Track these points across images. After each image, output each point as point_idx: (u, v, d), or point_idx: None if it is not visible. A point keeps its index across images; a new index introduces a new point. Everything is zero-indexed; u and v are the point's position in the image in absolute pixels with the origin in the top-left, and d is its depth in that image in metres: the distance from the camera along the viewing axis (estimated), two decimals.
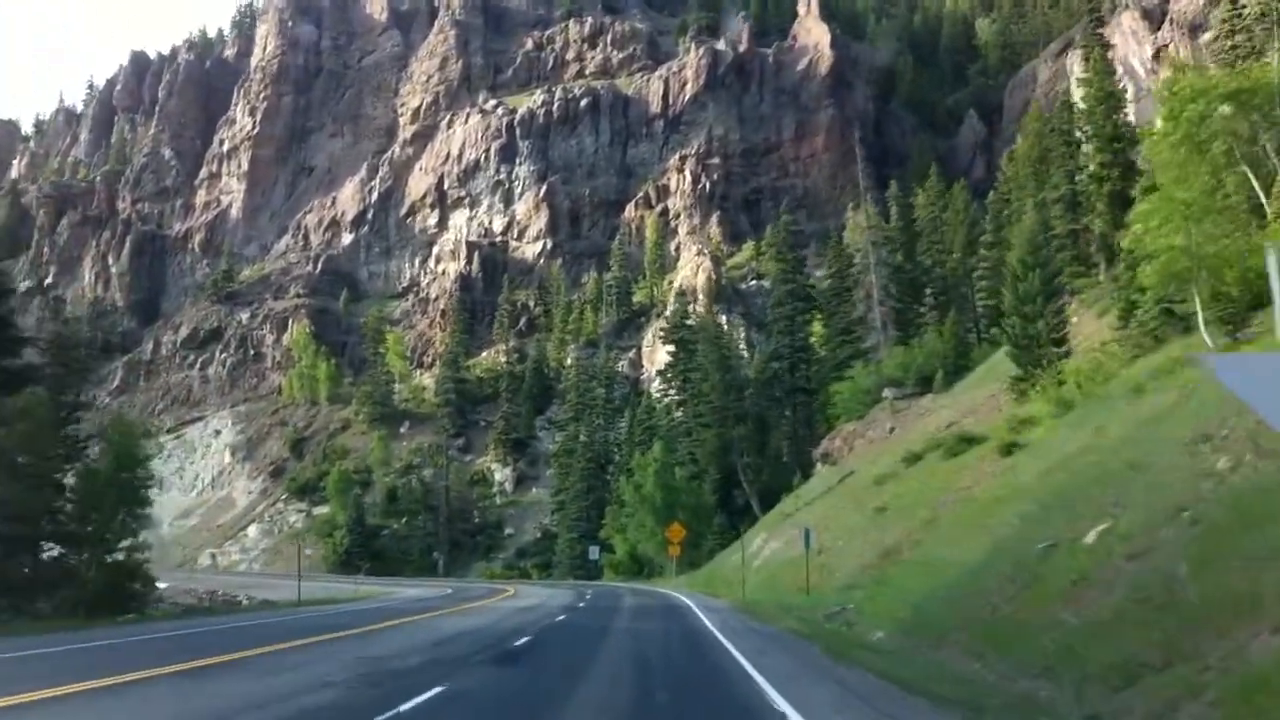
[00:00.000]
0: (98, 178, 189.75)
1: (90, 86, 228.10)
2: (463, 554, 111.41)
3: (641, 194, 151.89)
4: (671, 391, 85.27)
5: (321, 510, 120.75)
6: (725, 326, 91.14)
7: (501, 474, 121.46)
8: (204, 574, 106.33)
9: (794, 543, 43.36)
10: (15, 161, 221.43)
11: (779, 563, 42.56)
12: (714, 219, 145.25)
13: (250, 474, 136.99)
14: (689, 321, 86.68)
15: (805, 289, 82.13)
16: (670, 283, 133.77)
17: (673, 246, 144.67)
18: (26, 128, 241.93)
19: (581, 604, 39.37)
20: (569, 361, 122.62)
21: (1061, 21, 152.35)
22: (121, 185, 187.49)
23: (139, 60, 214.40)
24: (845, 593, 31.36)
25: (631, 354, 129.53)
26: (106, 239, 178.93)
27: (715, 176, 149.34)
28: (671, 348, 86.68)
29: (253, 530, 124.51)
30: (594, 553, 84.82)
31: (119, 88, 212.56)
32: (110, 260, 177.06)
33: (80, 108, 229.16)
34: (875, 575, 31.13)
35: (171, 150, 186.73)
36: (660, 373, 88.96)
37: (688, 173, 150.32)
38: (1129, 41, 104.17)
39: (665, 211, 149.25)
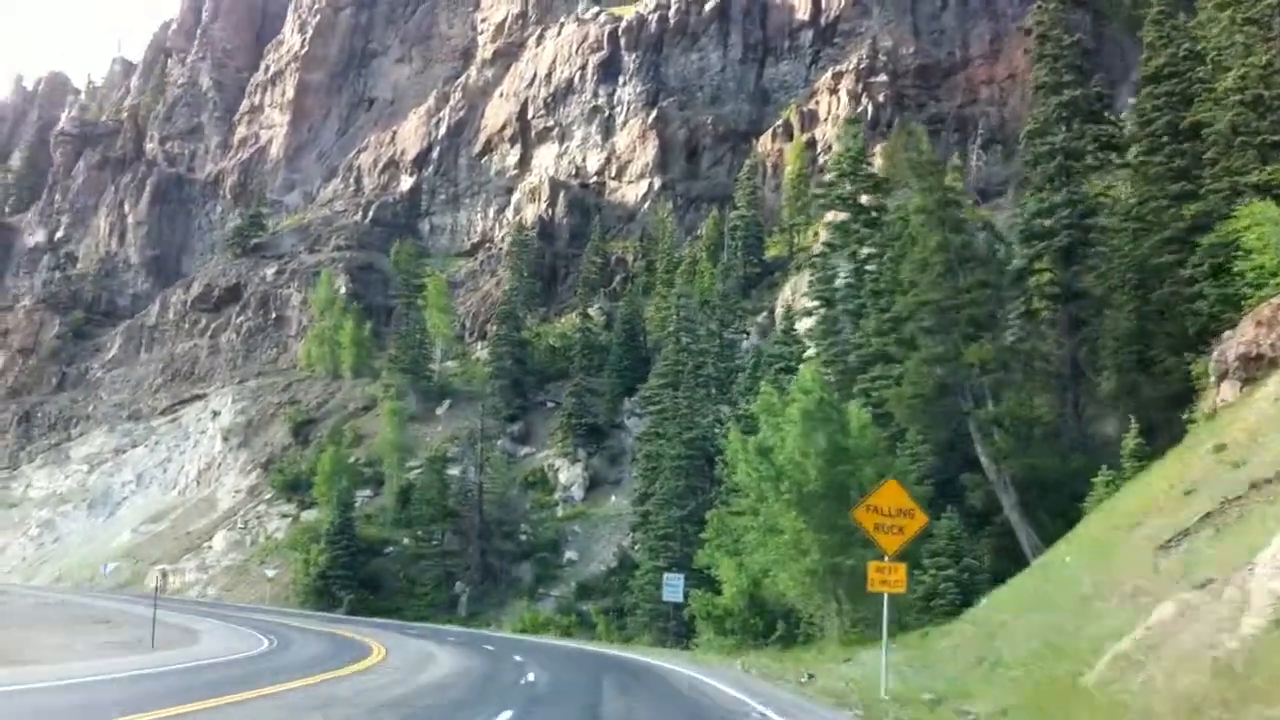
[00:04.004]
0: (124, 113, 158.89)
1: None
2: (498, 589, 74.10)
3: (781, 122, 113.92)
4: (836, 293, 45.61)
5: (312, 515, 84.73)
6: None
7: (568, 474, 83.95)
8: (114, 600, 71.22)
9: None
10: (64, 114, 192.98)
11: None
12: (878, 153, 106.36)
13: (244, 467, 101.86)
14: (870, 169, 47.00)
15: (1095, 99, 43.43)
16: (816, 234, 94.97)
17: (817, 205, 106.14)
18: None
19: None
20: (672, 327, 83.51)
21: None
22: (150, 122, 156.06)
23: None
24: None
25: (761, 318, 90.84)
26: (126, 184, 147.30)
27: (881, 99, 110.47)
28: (836, 217, 47.41)
29: (219, 541, 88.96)
30: (674, 589, 47.15)
31: (174, 28, 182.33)
32: (127, 208, 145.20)
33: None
34: None
35: (211, 80, 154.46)
36: (816, 259, 49.39)
37: (843, 94, 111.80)
38: None
39: (812, 144, 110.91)
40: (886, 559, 19.99)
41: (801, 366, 37.92)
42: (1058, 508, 36.97)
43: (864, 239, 44.61)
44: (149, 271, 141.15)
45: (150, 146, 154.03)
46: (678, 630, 52.40)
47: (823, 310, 46.65)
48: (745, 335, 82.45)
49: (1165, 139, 41.40)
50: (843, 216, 46.94)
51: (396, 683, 21.97)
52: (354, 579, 73.19)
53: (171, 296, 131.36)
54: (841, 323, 45.09)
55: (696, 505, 55.80)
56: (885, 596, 20.12)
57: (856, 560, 31.46)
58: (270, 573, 76.46)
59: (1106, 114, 44.73)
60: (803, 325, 54.56)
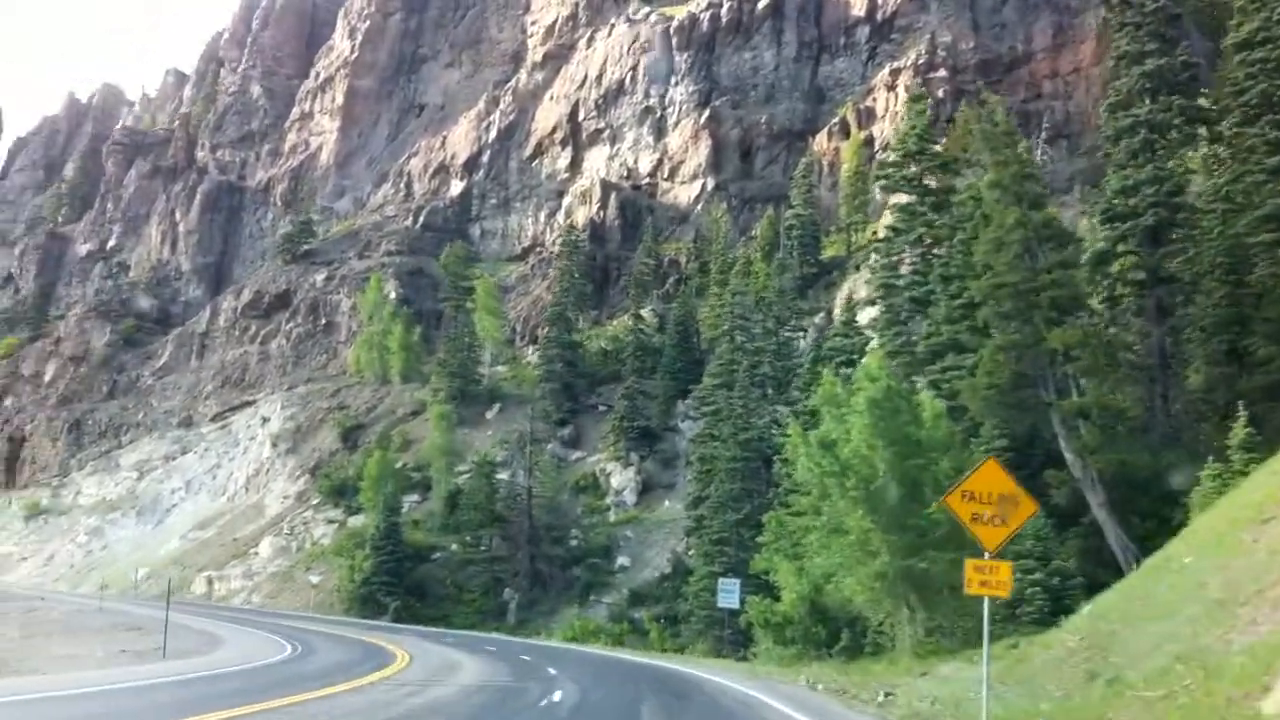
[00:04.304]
0: (176, 122, 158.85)
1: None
2: (549, 596, 71.75)
3: (837, 120, 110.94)
4: (901, 280, 42.74)
5: (359, 521, 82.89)
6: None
7: (620, 478, 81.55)
8: (154, 608, 69.36)
9: None
10: (117, 127, 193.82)
11: None
12: (942, 145, 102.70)
13: (292, 473, 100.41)
14: (937, 147, 43.91)
15: (1181, 69, 40.54)
16: (875, 232, 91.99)
17: (878, 188, 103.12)
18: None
19: None
20: (726, 325, 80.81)
21: None
22: (202, 130, 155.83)
23: (250, 5, 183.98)
24: None
25: (819, 318, 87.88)
26: (177, 192, 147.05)
27: (941, 94, 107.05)
28: (897, 200, 44.42)
29: (265, 547, 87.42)
30: (729, 595, 44.88)
31: (225, 38, 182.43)
32: (179, 216, 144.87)
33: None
34: None
35: (262, 88, 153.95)
36: (882, 243, 46.42)
37: (901, 91, 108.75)
38: None
39: (869, 141, 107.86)
40: (987, 556, 16.74)
41: (867, 353, 35.25)
42: (1149, 507, 34.14)
43: (931, 222, 41.75)
44: (200, 279, 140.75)
45: (201, 155, 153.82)
46: (734, 639, 49.81)
47: (887, 299, 43.75)
48: (802, 333, 79.54)
49: (1259, 109, 38.43)
50: (907, 199, 44.10)
51: (397, 701, 19.51)
52: (400, 586, 71.15)
53: (222, 303, 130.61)
54: (907, 312, 42.19)
55: (753, 509, 53.32)
56: (985, 602, 17.18)
57: (930, 563, 28.79)
58: (315, 579, 74.80)
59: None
60: (865, 316, 51.89)
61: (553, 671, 29.70)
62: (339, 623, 63.08)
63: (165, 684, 21.68)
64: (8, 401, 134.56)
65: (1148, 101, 40.12)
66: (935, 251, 40.81)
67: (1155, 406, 39.39)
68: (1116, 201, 39.79)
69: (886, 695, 20.58)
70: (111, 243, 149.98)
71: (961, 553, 27.73)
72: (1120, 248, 40.06)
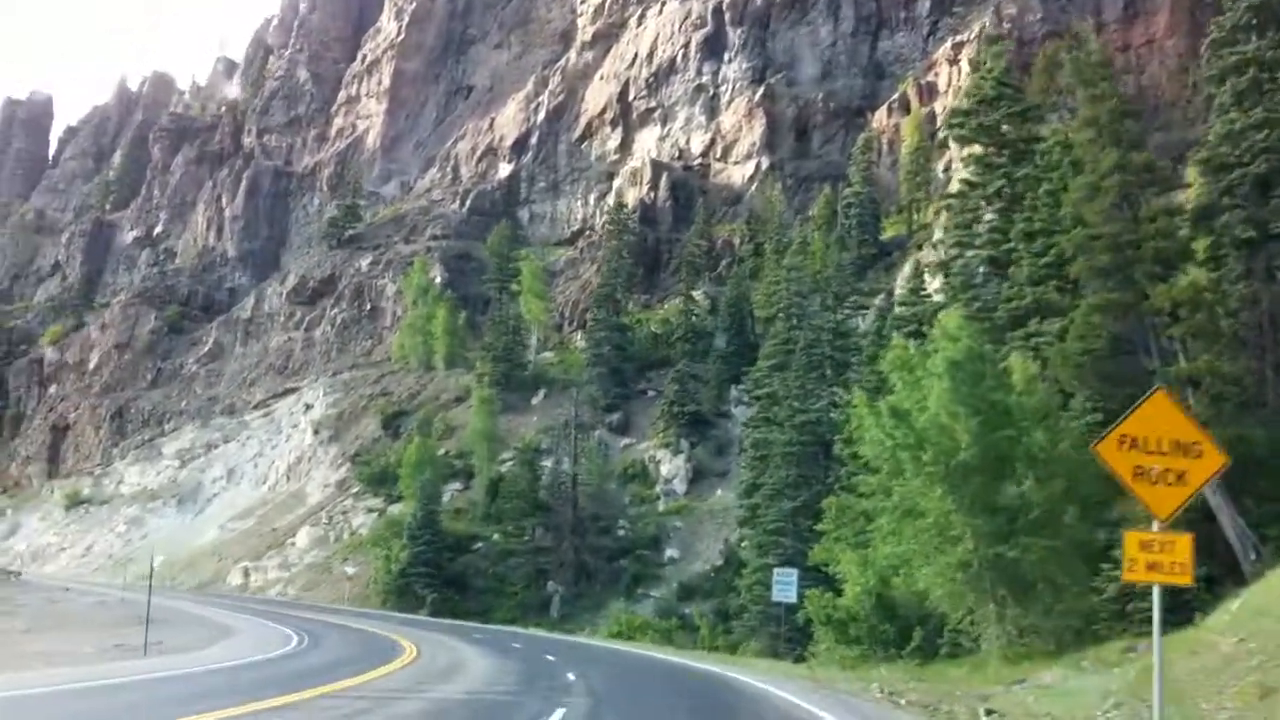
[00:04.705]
0: (223, 107, 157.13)
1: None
2: (593, 588, 68.13)
3: (897, 96, 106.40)
4: (977, 239, 38.23)
5: (398, 509, 79.77)
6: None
7: (670, 466, 77.79)
8: (182, 600, 66.42)
9: None
10: (166, 114, 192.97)
11: None
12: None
13: (334, 461, 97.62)
14: (1006, 83, 38.67)
15: None
16: (937, 212, 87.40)
17: (941, 166, 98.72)
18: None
19: None
20: (782, 302, 76.65)
21: None
22: (248, 116, 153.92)
23: None
24: None
25: (879, 300, 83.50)
26: (223, 178, 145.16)
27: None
28: (973, 152, 39.99)
29: (302, 537, 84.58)
30: (785, 587, 40.86)
31: (274, 24, 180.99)
32: (225, 203, 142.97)
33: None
34: None
35: (309, 73, 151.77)
36: (955, 199, 41.82)
37: (964, 65, 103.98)
38: None
39: (932, 118, 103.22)
40: (1156, 526, 11.98)
41: (941, 317, 31.16)
42: (1267, 489, 29.86)
43: (1011, 174, 37.44)
44: (246, 265, 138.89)
45: (248, 140, 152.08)
46: (790, 637, 45.75)
47: (960, 260, 39.43)
48: (863, 312, 75.30)
49: None
50: (983, 151, 39.71)
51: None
52: (438, 578, 67.75)
53: (267, 290, 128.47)
54: (983, 275, 37.91)
55: (810, 496, 49.37)
56: (1155, 592, 12.13)
57: (1022, 550, 24.69)
58: (350, 570, 71.73)
59: None
60: (934, 284, 47.74)
61: (570, 678, 25.12)
62: (371, 616, 59.84)
63: (97, 689, 18.12)
64: (52, 389, 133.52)
65: (1254, 37, 35.67)
66: (1015, 207, 36.47)
67: (1266, 379, 35.02)
68: (1223, 149, 35.33)
69: (988, 712, 16.50)
70: (158, 229, 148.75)
71: (1059, 540, 23.73)
72: (1225, 200, 35.62)
